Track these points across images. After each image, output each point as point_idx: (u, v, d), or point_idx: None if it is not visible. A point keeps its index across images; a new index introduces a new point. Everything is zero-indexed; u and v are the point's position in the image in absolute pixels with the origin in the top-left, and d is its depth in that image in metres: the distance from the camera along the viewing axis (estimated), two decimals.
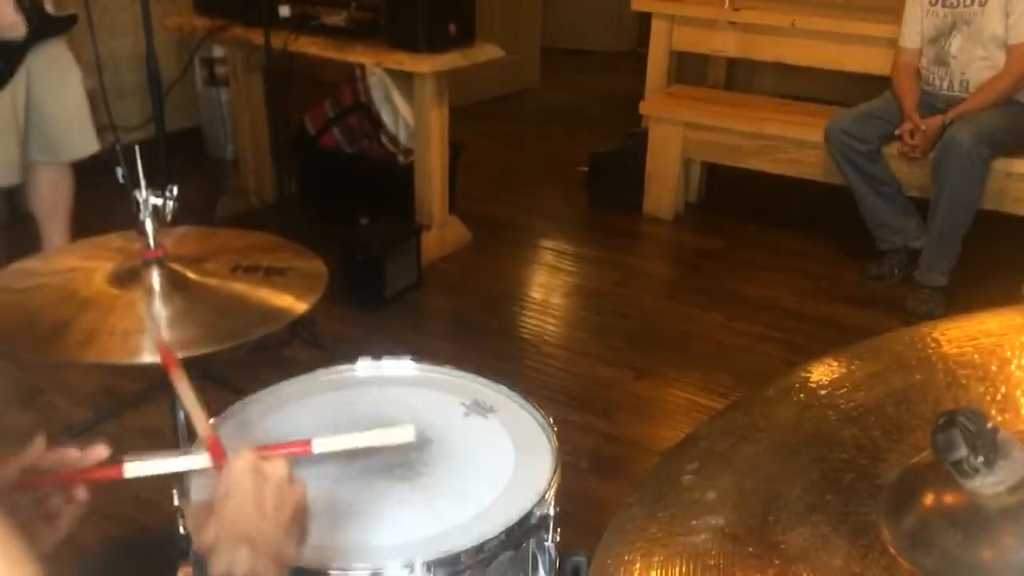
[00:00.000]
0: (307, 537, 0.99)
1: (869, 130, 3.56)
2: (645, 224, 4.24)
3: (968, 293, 3.40)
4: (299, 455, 1.06)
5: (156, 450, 1.06)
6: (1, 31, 2.74)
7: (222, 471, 0.98)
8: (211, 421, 1.07)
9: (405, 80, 3.71)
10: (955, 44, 3.47)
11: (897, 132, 3.49)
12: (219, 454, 1.02)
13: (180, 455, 1.06)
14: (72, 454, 1.02)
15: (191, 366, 1.15)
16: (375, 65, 3.69)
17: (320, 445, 1.08)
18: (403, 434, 1.12)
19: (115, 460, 1.03)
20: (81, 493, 1.03)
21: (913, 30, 3.58)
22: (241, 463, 0.96)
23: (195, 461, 1.06)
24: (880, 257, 3.67)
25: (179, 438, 1.70)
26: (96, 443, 1.03)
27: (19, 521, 0.97)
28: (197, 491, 1.24)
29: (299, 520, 0.97)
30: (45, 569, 0.68)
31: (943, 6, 3.48)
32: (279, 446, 1.06)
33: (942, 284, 3.41)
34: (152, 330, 1.39)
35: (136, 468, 1.02)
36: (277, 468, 0.97)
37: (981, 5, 3.40)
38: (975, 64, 3.45)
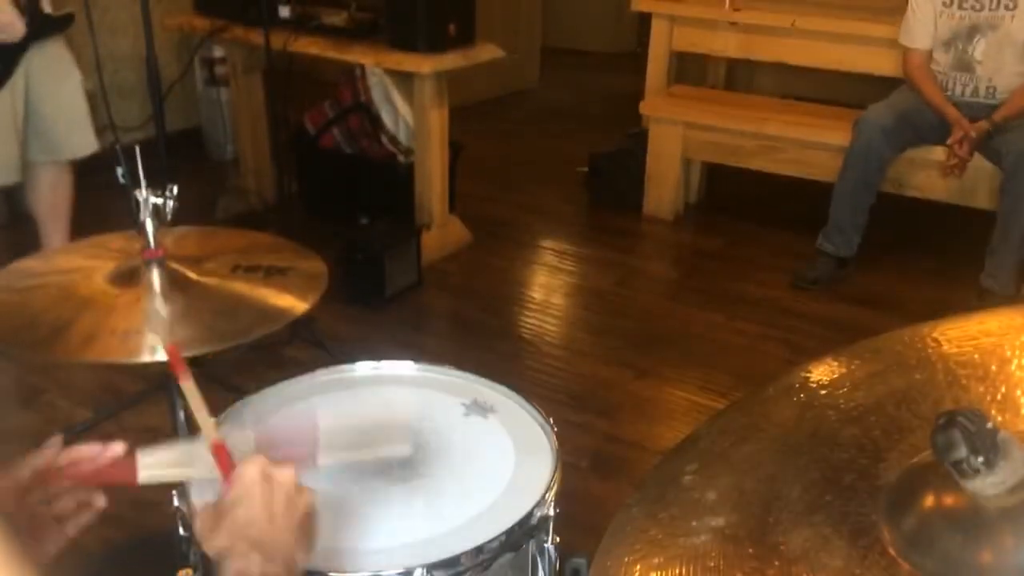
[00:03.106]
0: (315, 543, 1.00)
1: (901, 138, 3.50)
2: (645, 224, 4.24)
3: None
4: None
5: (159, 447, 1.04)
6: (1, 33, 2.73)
7: (230, 478, 0.99)
8: (216, 424, 1.06)
9: (405, 80, 3.71)
10: (979, 49, 3.41)
11: (949, 142, 3.40)
12: (225, 461, 1.02)
13: (192, 459, 1.05)
14: (89, 451, 1.02)
15: (191, 366, 1.15)
16: (375, 65, 3.69)
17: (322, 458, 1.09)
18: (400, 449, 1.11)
19: (129, 461, 1.02)
20: (99, 500, 1.04)
21: (925, 31, 3.50)
22: (251, 470, 0.96)
23: (209, 468, 1.05)
24: (814, 260, 3.63)
25: (179, 438, 1.70)
26: (114, 442, 1.02)
27: (29, 521, 0.98)
28: (198, 492, 1.24)
29: (307, 526, 0.98)
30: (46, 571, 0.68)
31: (960, 8, 3.42)
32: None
33: (1011, 292, 3.35)
34: (158, 331, 1.39)
35: (149, 475, 1.02)
36: (286, 475, 0.97)
37: (1009, 10, 3.34)
38: (1004, 70, 3.39)
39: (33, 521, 1.00)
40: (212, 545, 0.94)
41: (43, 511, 1.01)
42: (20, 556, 0.67)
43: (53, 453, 1.01)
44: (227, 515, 0.94)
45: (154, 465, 1.02)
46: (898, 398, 1.01)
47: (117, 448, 1.02)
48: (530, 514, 1.22)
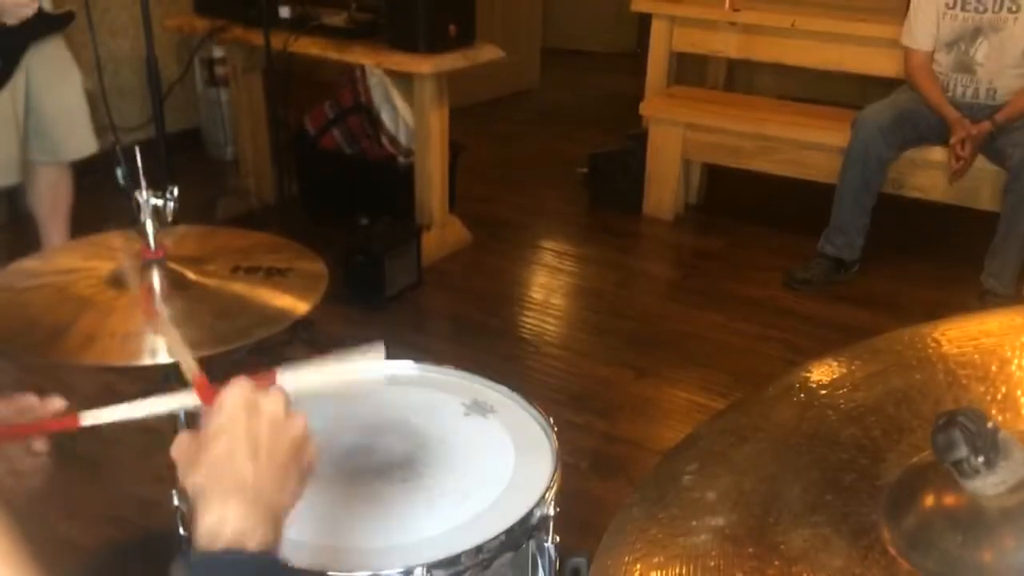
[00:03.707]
0: (311, 471, 0.91)
1: (900, 138, 3.49)
2: (645, 225, 4.24)
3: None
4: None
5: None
6: (16, 9, 2.71)
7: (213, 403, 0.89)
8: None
9: (405, 81, 3.71)
10: (981, 51, 3.41)
11: (951, 143, 3.41)
12: (207, 392, 0.93)
13: (142, 400, 0.99)
14: (29, 402, 0.99)
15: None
16: (375, 66, 3.69)
17: (285, 378, 0.99)
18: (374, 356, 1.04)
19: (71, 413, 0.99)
20: (39, 445, 0.98)
21: (927, 32, 3.50)
22: (235, 394, 0.87)
23: (156, 404, 0.98)
24: (810, 260, 3.64)
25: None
26: (53, 395, 1.00)
27: None
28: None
29: (298, 456, 0.89)
30: (47, 571, 0.68)
31: (962, 10, 3.42)
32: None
33: (1012, 293, 3.35)
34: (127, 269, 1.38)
35: (94, 416, 0.96)
36: (273, 402, 0.89)
37: (1012, 12, 3.34)
38: (1005, 73, 3.39)
39: None
40: (189, 480, 0.85)
41: None
42: (20, 551, 0.67)
43: None
44: (206, 447, 0.85)
45: (99, 413, 0.97)
46: (898, 398, 1.01)
47: (57, 403, 0.99)
48: (530, 514, 1.22)
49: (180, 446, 0.87)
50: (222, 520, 0.81)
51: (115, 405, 0.95)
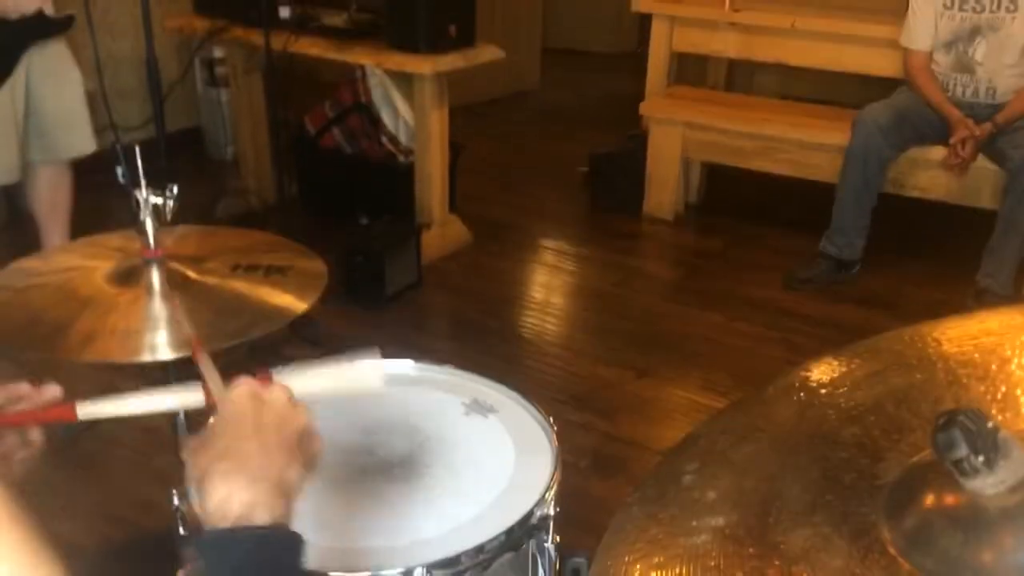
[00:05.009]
0: (315, 462, 0.92)
1: (900, 137, 3.49)
2: (645, 225, 4.24)
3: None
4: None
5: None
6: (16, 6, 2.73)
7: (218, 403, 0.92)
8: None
9: (405, 81, 3.71)
10: (980, 51, 3.41)
11: (951, 142, 3.42)
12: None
13: (141, 394, 0.99)
14: (23, 390, 0.98)
15: (191, 366, 1.14)
16: (375, 66, 3.69)
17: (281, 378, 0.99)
18: (374, 373, 1.05)
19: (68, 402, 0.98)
20: (35, 435, 0.99)
21: (925, 32, 3.51)
22: (240, 388, 0.91)
23: (154, 401, 1.00)
24: (811, 260, 3.64)
25: (179, 438, 1.70)
26: (49, 383, 0.99)
27: None
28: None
29: (304, 443, 0.91)
30: (66, 567, 0.67)
31: (960, 9, 3.42)
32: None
33: (1010, 292, 3.35)
34: (179, 325, 1.38)
35: (90, 408, 0.97)
36: (277, 394, 0.91)
37: (1010, 11, 3.34)
38: (1004, 72, 3.40)
39: None
40: (196, 467, 0.86)
41: None
42: (37, 539, 0.67)
43: None
44: (214, 436, 0.88)
45: (95, 403, 0.97)
46: (898, 398, 1.01)
47: (52, 391, 0.99)
48: (530, 513, 1.22)
49: (189, 446, 0.89)
50: (227, 498, 0.82)
51: (112, 397, 0.96)
